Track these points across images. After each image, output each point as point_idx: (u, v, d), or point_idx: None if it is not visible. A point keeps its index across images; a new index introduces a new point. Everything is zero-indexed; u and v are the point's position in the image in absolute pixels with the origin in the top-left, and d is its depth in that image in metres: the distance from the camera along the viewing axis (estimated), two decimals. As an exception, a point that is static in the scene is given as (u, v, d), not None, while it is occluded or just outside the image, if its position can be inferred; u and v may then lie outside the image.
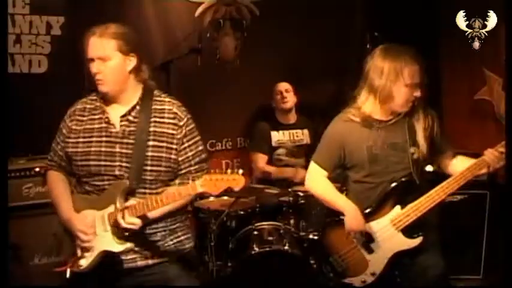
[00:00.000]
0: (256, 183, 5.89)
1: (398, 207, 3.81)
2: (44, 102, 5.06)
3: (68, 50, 5.32)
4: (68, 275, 3.29)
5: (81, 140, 3.38)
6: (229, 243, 4.81)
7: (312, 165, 4.01)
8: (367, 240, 3.83)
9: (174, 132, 3.37)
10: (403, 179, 3.80)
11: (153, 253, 3.40)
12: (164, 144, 3.34)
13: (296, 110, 6.00)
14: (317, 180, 3.98)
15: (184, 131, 3.39)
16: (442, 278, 3.85)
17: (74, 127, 3.41)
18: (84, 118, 3.41)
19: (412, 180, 3.79)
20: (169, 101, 3.45)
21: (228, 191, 3.09)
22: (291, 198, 5.10)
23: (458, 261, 5.35)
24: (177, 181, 3.39)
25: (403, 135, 3.81)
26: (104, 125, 3.36)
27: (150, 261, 3.40)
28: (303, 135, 5.95)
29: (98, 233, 3.29)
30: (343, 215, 3.85)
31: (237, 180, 3.04)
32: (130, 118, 3.35)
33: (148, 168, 3.31)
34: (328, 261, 3.94)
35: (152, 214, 3.27)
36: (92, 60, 3.30)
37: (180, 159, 3.39)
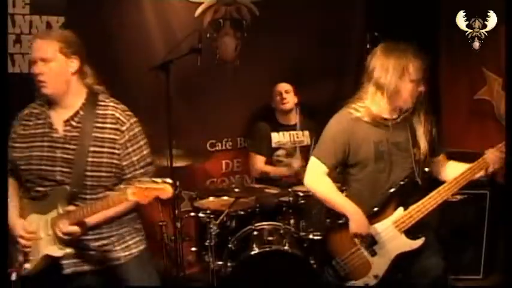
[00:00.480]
0: (256, 183, 5.91)
1: (401, 208, 3.82)
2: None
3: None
4: (13, 278, 3.28)
5: (25, 145, 3.44)
6: (229, 243, 4.81)
7: (312, 161, 3.97)
8: (370, 242, 3.83)
9: (117, 137, 3.40)
10: (406, 180, 3.80)
11: (101, 258, 3.46)
12: (105, 149, 3.38)
13: (297, 111, 5.98)
14: (317, 178, 3.94)
15: (127, 136, 3.42)
16: (443, 278, 3.86)
17: (21, 132, 3.48)
18: (31, 123, 3.47)
19: (414, 181, 3.80)
20: (112, 106, 3.48)
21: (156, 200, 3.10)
22: (291, 198, 5.10)
23: (458, 261, 5.36)
24: (121, 186, 3.36)
25: (406, 135, 3.83)
26: (46, 129, 3.41)
27: (97, 266, 3.47)
28: (303, 137, 5.93)
29: (42, 237, 3.34)
30: (344, 215, 3.85)
31: (165, 190, 3.05)
32: (73, 123, 3.40)
33: (89, 174, 3.34)
34: (330, 264, 3.93)
35: (92, 220, 3.31)
36: (35, 62, 3.36)
37: (124, 163, 3.42)
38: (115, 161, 3.39)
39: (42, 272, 3.35)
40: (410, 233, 3.80)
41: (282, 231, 4.87)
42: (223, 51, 6.24)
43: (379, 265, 3.83)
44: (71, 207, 3.26)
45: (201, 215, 5.00)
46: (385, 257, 3.83)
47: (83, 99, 3.44)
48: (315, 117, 5.96)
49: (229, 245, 4.80)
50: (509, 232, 3.45)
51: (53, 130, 3.39)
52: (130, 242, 3.58)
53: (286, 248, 4.68)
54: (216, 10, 6.14)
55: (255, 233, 4.84)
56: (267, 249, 4.67)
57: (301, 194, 5.04)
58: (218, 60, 6.21)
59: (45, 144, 3.39)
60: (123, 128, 3.41)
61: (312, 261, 4.63)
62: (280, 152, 5.89)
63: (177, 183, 4.86)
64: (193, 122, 6.05)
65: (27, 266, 3.36)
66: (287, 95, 5.88)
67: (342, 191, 4.04)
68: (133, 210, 3.57)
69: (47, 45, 3.35)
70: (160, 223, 5.27)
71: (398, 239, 3.80)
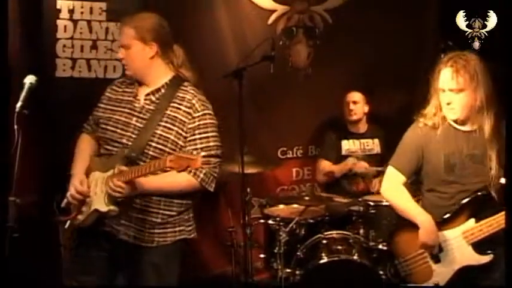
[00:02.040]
0: (324, 190, 5.88)
1: (472, 220, 3.75)
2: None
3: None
4: (66, 226, 3.58)
5: (109, 107, 3.71)
6: (298, 251, 4.81)
7: (390, 170, 3.98)
8: (437, 249, 3.78)
9: (187, 120, 3.57)
10: (481, 193, 3.73)
11: (135, 234, 3.58)
12: (175, 128, 3.55)
13: (367, 119, 5.94)
14: (394, 187, 3.95)
15: (197, 123, 3.58)
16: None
17: (108, 95, 3.78)
18: (119, 90, 3.77)
19: (490, 195, 3.72)
20: (192, 93, 3.66)
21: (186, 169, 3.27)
22: (361, 208, 5.08)
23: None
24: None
25: (483, 147, 3.75)
26: (131, 98, 3.68)
27: (130, 240, 3.57)
28: (373, 145, 5.89)
29: (96, 193, 3.52)
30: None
31: (194, 161, 3.21)
32: (153, 98, 3.63)
33: (153, 144, 3.52)
34: (393, 264, 3.90)
35: (143, 184, 3.46)
36: (121, 46, 3.68)
37: (188, 148, 3.54)
38: (180, 142, 3.55)
39: (89, 227, 3.57)
40: (479, 247, 3.72)
41: (351, 241, 4.85)
42: (296, 59, 6.26)
43: (442, 274, 3.77)
44: (124, 168, 3.43)
45: (270, 222, 5.03)
46: (448, 267, 3.76)
47: (166, 80, 3.67)
48: (386, 125, 5.92)
49: (298, 253, 4.80)
50: (509, 232, 3.36)
51: (136, 100, 3.65)
52: (169, 230, 3.66)
53: (355, 257, 4.66)
54: (289, 18, 6.17)
55: (324, 241, 4.82)
56: (336, 258, 4.66)
57: (371, 203, 5.01)
58: (290, 67, 6.23)
59: (126, 110, 3.64)
60: (196, 115, 3.57)
61: (380, 272, 4.59)
62: (350, 160, 5.84)
63: (248, 190, 4.90)
64: (264, 129, 6.09)
65: (79, 217, 3.56)
66: (354, 106, 5.84)
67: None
68: (188, 196, 3.70)
69: (126, 32, 3.62)
70: (230, 229, 5.30)
71: (466, 251, 3.73)
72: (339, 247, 4.78)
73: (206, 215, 5.90)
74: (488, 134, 3.72)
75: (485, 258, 3.70)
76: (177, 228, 3.68)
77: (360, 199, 5.17)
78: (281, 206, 5.29)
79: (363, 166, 5.66)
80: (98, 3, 5.29)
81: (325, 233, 4.87)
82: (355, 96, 5.86)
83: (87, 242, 3.62)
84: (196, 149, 3.53)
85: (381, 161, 5.75)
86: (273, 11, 6.08)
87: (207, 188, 3.63)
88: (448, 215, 3.79)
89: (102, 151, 3.67)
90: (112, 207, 3.47)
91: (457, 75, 3.66)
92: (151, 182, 3.48)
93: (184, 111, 3.57)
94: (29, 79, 3.35)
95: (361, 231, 5.02)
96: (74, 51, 5.25)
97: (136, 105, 3.63)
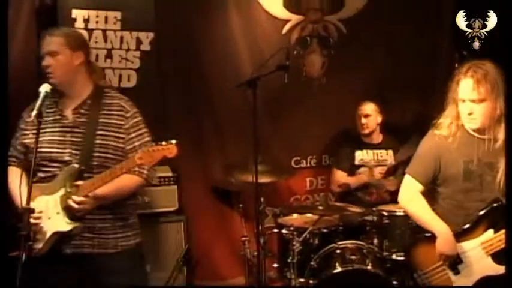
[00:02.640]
0: (339, 200, 5.88)
1: (491, 230, 3.72)
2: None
3: (157, 65, 5.47)
4: (23, 259, 3.31)
5: (36, 131, 3.59)
6: (312, 260, 4.79)
7: (407, 178, 3.98)
8: (455, 261, 3.76)
9: (121, 123, 3.69)
10: (496, 204, 3.71)
11: (100, 243, 3.63)
12: (111, 133, 3.65)
13: (381, 130, 5.93)
14: (411, 196, 3.94)
15: (131, 122, 3.72)
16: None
17: (29, 120, 3.66)
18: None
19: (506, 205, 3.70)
20: (118, 96, 3.81)
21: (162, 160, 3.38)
22: (375, 218, 5.06)
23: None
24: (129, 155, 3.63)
25: (500, 155, 3.73)
26: (57, 117, 3.66)
27: (95, 250, 3.62)
28: (387, 155, 5.86)
29: (50, 216, 3.53)
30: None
31: (170, 149, 3.35)
32: (82, 111, 3.68)
33: (96, 154, 3.60)
34: (412, 277, 3.89)
35: (100, 192, 3.50)
36: (43, 56, 3.64)
37: (127, 148, 3.67)
38: (120, 145, 3.67)
39: (45, 254, 3.54)
40: (498, 257, 3.69)
41: (365, 251, 4.83)
42: (310, 69, 6.26)
43: (462, 285, 3.76)
44: (80, 182, 3.49)
45: (284, 231, 5.02)
46: (468, 278, 3.75)
47: (89, 91, 3.74)
48: (400, 135, 5.91)
49: (312, 263, 4.78)
50: (510, 232, 3.35)
51: (63, 117, 3.67)
52: (129, 233, 3.77)
53: (368, 267, 4.64)
54: (303, 28, 6.18)
55: (338, 251, 4.80)
56: (349, 268, 4.64)
57: (385, 213, 4.99)
58: (304, 77, 6.24)
59: (56, 129, 3.65)
60: (128, 115, 3.72)
61: (394, 282, 4.58)
62: (362, 170, 5.84)
63: (262, 199, 4.90)
64: (278, 139, 6.10)
65: (35, 245, 3.50)
66: (366, 120, 5.82)
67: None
68: (135, 196, 3.84)
69: (54, 40, 3.65)
70: (243, 238, 5.31)
71: (485, 262, 3.71)
72: (353, 257, 4.76)
73: (219, 224, 5.91)
74: (501, 142, 3.72)
75: (505, 269, 3.67)
76: (135, 231, 3.81)
77: (373, 209, 5.15)
78: (295, 216, 5.28)
79: (378, 175, 5.64)
80: (113, 13, 5.33)
81: (339, 243, 4.85)
82: (367, 109, 5.84)
83: (48, 273, 3.58)
84: (134, 147, 3.68)
85: (394, 171, 5.75)
86: (287, 21, 6.10)
87: (152, 182, 3.84)
88: (466, 226, 3.78)
89: (42, 174, 3.63)
90: (77, 224, 3.52)
91: (478, 86, 3.65)
92: (108, 190, 3.53)
93: (116, 115, 3.69)
94: (44, 88, 3.42)
95: (375, 241, 5.00)
96: (89, 60, 5.27)
97: (65, 121, 3.65)
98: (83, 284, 3.67)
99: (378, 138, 5.93)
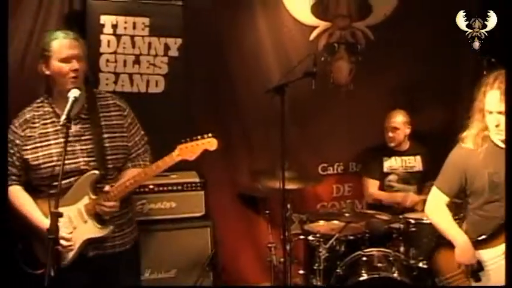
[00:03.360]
0: (367, 208, 5.86)
1: None
2: (160, 121, 5.17)
3: (184, 70, 5.50)
4: (52, 274, 3.23)
5: (38, 144, 3.59)
6: (338, 267, 4.78)
7: (434, 190, 4.05)
8: (476, 268, 3.77)
9: (122, 122, 3.75)
10: None
11: (121, 240, 3.73)
12: (117, 134, 3.69)
13: (409, 137, 5.89)
14: (436, 207, 4.01)
15: (129, 119, 3.80)
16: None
17: (28, 134, 3.62)
18: (36, 124, 3.63)
19: None
20: (110, 96, 3.85)
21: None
22: (401, 225, 5.03)
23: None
24: (129, 164, 3.75)
25: None
26: (58, 127, 3.57)
27: (117, 250, 3.72)
28: (415, 162, 5.84)
29: (76, 226, 3.55)
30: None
31: (210, 142, 3.46)
32: (83, 116, 3.65)
33: (109, 158, 3.62)
34: (433, 282, 3.93)
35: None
36: (70, 58, 3.53)
37: (129, 144, 3.73)
38: (125, 143, 3.73)
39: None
40: None
41: (391, 258, 4.81)
42: (338, 75, 6.25)
43: None
44: (108, 187, 3.52)
45: (310, 238, 5.01)
46: (489, 285, 3.75)
47: (84, 94, 3.68)
48: (428, 142, 5.88)
49: (338, 270, 4.77)
50: (510, 232, 3.32)
51: (65, 127, 3.48)
52: (134, 225, 3.89)
53: (395, 275, 4.62)
54: (330, 34, 6.17)
55: (364, 258, 4.79)
56: (376, 275, 4.63)
57: (412, 221, 4.97)
58: (332, 84, 6.22)
59: (61, 140, 3.50)
60: (125, 113, 3.78)
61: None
62: (391, 177, 5.83)
63: (288, 206, 4.90)
64: (305, 145, 6.09)
65: (66, 256, 3.52)
66: (394, 134, 5.80)
67: (455, 219, 4.03)
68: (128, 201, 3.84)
69: (79, 45, 3.62)
70: (269, 245, 5.31)
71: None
72: (379, 264, 4.74)
73: (246, 231, 5.92)
74: None
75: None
76: (134, 225, 3.90)
77: (400, 216, 5.13)
78: (321, 222, 5.27)
79: (413, 201, 5.59)
80: (141, 19, 5.35)
81: (365, 250, 4.84)
82: (396, 122, 5.80)
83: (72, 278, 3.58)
84: (135, 142, 3.77)
85: (422, 178, 5.72)
86: (314, 27, 6.10)
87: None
88: (484, 236, 3.79)
89: (52, 190, 3.39)
90: (109, 227, 3.58)
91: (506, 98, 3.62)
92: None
93: (115, 115, 3.73)
94: (73, 93, 3.42)
95: (402, 248, 4.98)
96: (117, 65, 5.32)
97: (69, 131, 3.39)
98: (102, 282, 3.71)
99: (405, 145, 5.91)
